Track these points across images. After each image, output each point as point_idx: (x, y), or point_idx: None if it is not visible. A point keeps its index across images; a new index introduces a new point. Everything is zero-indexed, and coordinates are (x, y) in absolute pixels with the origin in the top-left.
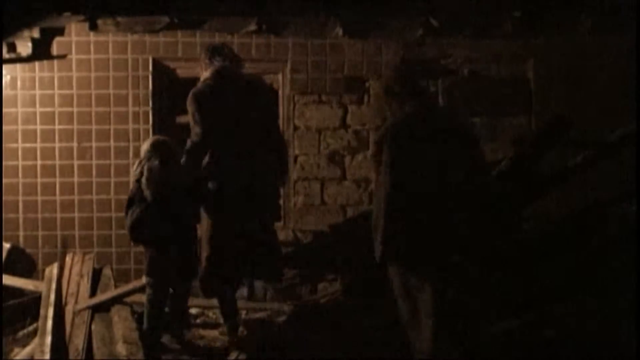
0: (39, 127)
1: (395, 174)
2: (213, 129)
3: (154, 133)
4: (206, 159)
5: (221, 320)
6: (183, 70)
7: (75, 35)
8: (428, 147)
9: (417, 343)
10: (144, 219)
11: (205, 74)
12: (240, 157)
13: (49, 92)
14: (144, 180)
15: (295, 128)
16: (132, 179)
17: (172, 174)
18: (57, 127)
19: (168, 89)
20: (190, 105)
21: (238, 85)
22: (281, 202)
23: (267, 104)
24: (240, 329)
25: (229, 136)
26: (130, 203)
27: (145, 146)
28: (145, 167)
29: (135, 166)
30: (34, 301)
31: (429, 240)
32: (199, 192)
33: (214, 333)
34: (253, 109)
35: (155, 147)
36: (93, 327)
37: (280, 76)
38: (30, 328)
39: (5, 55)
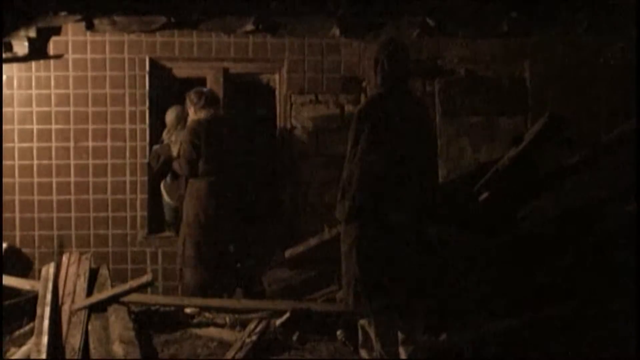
0: (35, 126)
1: (370, 144)
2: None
3: (150, 133)
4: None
5: (218, 320)
6: (180, 70)
7: (71, 35)
8: (396, 124)
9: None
10: None
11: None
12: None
13: (46, 91)
14: None
15: (292, 128)
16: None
17: None
18: (53, 126)
19: (165, 89)
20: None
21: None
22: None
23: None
24: (238, 328)
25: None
26: None
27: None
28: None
29: None
30: (31, 301)
31: (390, 201)
32: None
33: (211, 332)
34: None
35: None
36: (90, 326)
37: (277, 76)
38: (27, 328)
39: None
